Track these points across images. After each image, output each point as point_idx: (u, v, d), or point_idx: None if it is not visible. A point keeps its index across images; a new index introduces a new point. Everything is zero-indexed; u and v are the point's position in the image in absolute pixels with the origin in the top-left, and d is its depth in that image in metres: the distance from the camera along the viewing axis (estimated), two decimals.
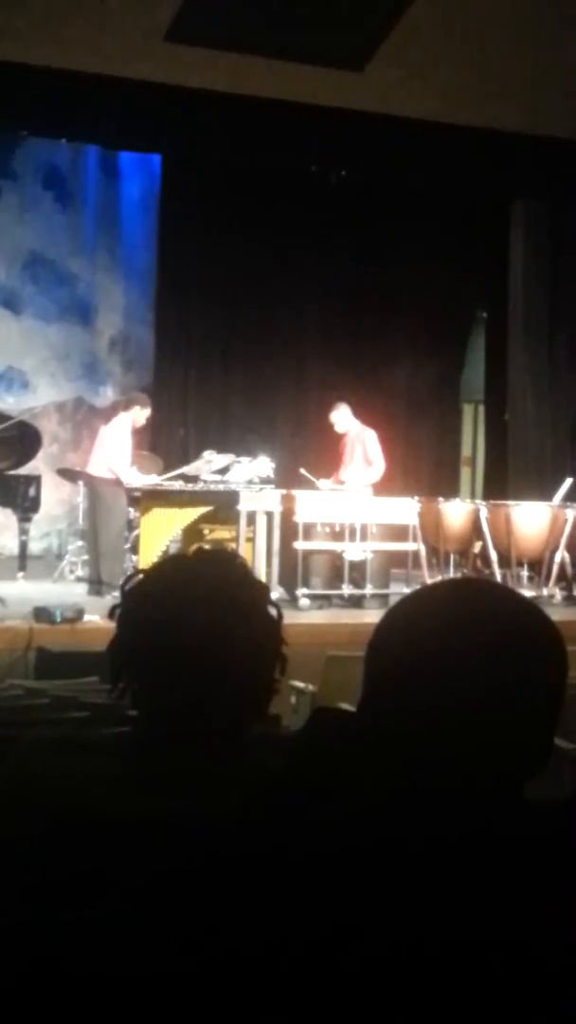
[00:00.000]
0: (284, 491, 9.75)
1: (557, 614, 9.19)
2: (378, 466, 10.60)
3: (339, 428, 10.80)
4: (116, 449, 9.76)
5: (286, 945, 1.18)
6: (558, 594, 10.35)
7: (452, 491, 13.49)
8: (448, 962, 1.17)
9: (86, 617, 8.05)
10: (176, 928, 1.20)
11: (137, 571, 1.88)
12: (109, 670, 1.74)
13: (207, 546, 9.78)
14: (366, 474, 10.59)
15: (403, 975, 1.17)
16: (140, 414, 10.08)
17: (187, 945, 1.19)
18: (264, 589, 1.82)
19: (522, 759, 1.32)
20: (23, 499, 10.31)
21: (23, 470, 10.51)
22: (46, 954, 1.20)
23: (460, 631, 1.32)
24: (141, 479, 10.03)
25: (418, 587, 1.63)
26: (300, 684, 5.62)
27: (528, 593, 9.74)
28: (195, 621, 1.67)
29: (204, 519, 9.96)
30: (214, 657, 1.66)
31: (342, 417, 10.76)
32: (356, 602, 9.79)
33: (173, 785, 1.54)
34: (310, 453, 12.01)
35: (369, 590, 9.77)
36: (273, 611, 1.77)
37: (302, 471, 10.36)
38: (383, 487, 10.71)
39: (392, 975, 1.16)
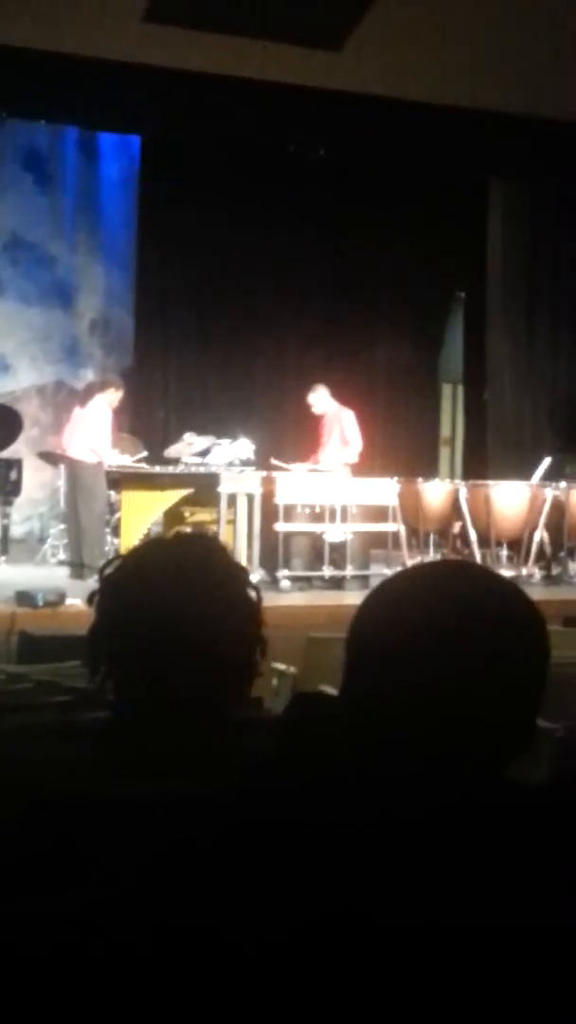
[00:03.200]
0: (264, 473, 9.75)
1: (536, 593, 9.14)
2: (355, 445, 10.63)
3: (317, 410, 10.82)
4: (96, 431, 9.74)
5: (275, 929, 1.18)
6: (537, 574, 10.39)
7: (431, 472, 13.50)
8: (437, 942, 1.18)
9: (68, 601, 8.03)
10: (159, 914, 1.20)
11: (116, 555, 1.87)
12: (88, 655, 1.74)
13: (188, 528, 9.79)
14: (343, 454, 10.61)
15: (395, 955, 1.17)
16: (115, 396, 10.06)
17: (172, 931, 1.19)
18: (243, 571, 1.82)
19: (505, 739, 1.33)
20: (4, 483, 10.31)
21: (4, 454, 10.50)
22: (25, 942, 1.20)
23: (439, 613, 1.32)
24: (122, 460, 10.01)
25: (398, 568, 1.63)
26: (281, 666, 5.61)
27: (507, 573, 9.81)
28: (171, 605, 1.66)
29: (185, 501, 9.94)
30: (190, 640, 1.66)
31: (320, 399, 10.79)
32: (337, 583, 9.80)
33: (153, 769, 1.53)
34: (290, 434, 12.02)
35: (349, 571, 9.79)
36: (253, 594, 1.78)
37: (274, 461, 10.31)
38: (362, 468, 10.72)
39: (384, 955, 1.17)
